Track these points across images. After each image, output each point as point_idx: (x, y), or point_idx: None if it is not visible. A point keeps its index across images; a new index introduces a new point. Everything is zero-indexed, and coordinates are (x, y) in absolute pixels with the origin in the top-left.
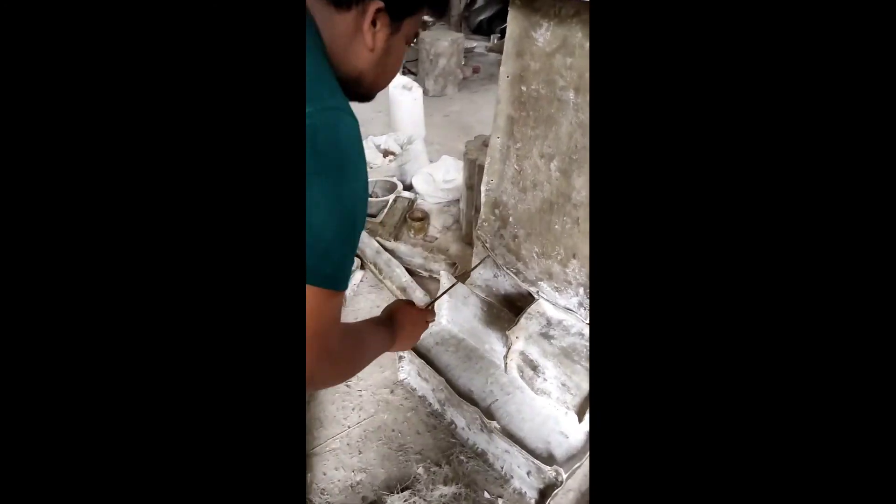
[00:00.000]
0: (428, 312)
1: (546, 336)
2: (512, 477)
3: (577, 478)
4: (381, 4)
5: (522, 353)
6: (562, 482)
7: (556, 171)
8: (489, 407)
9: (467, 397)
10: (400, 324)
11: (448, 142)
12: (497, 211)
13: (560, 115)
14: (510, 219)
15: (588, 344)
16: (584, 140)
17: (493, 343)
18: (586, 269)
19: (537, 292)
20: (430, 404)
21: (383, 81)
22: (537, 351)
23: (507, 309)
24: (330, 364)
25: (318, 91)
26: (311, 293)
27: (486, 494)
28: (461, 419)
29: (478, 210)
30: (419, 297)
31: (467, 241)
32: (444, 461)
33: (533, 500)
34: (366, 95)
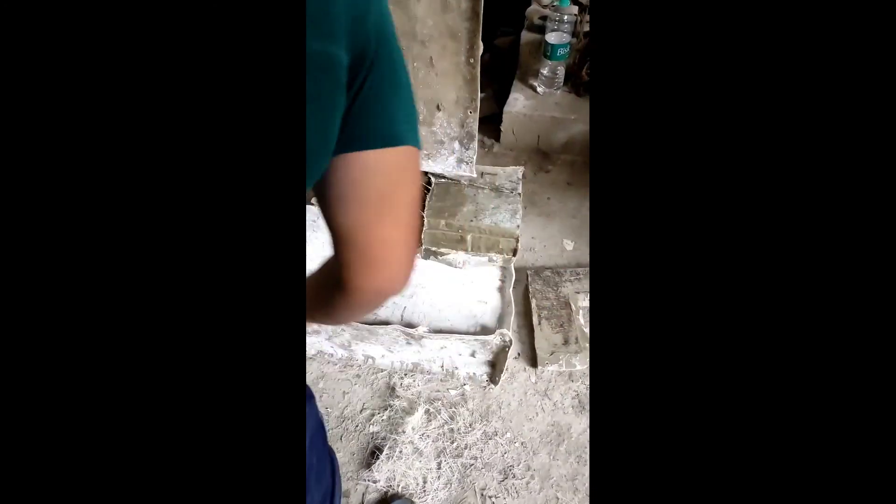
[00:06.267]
0: None
1: None
2: (457, 367)
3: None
4: None
5: None
6: (510, 341)
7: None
8: (401, 319)
9: (372, 322)
10: None
11: None
12: None
13: None
14: None
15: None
16: None
17: None
18: (456, 118)
19: None
20: (331, 354)
21: None
22: None
23: None
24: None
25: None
26: (413, 154)
27: (452, 392)
28: (377, 348)
29: None
30: None
31: None
32: (379, 407)
33: (485, 374)
34: None
